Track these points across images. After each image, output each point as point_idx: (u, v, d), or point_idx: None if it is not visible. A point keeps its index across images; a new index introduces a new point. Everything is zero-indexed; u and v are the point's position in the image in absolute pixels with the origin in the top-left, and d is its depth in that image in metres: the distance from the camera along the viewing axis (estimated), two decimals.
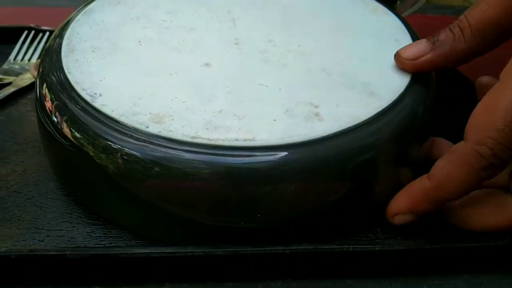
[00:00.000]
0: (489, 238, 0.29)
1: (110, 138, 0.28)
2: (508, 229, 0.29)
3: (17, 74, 0.46)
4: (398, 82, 0.31)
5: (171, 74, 0.31)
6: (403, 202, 0.30)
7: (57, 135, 0.30)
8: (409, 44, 0.32)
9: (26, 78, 0.45)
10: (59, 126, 0.30)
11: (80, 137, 0.29)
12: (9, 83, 0.45)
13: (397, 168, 0.31)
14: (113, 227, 0.31)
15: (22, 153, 0.37)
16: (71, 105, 0.30)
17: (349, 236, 0.31)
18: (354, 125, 0.29)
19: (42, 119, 0.32)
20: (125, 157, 0.28)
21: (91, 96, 0.30)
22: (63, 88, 0.31)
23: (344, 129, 0.28)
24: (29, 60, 0.48)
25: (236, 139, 0.27)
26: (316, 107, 0.29)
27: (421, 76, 0.32)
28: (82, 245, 0.30)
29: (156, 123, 0.28)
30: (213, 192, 0.28)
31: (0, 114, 0.41)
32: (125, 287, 0.28)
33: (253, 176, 0.27)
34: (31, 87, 0.45)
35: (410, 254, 0.29)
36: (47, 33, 0.50)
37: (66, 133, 0.30)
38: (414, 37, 0.35)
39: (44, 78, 0.32)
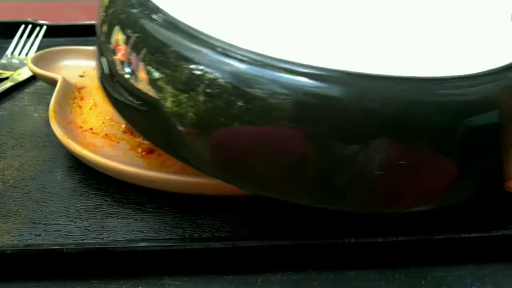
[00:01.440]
0: (493, 227, 0.29)
1: (201, 61, 0.24)
2: None
3: (14, 68, 0.46)
4: None
5: (279, 7, 0.28)
6: None
7: (135, 87, 0.27)
8: None
9: (24, 73, 0.45)
10: (136, 73, 0.27)
11: (159, 76, 0.26)
12: (7, 78, 0.44)
13: None
14: (111, 221, 0.31)
15: (19, 147, 0.37)
16: (152, 26, 0.26)
17: (351, 227, 0.30)
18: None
19: (111, 80, 0.29)
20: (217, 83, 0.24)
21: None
22: (145, 11, 0.27)
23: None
24: (26, 54, 0.48)
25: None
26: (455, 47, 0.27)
27: None
28: (80, 240, 0.30)
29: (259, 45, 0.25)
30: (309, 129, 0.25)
31: None
32: (123, 281, 0.28)
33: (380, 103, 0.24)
34: (28, 81, 0.44)
35: (413, 245, 0.29)
36: (44, 27, 0.50)
37: (142, 78, 0.26)
38: None
39: (114, 18, 0.29)
